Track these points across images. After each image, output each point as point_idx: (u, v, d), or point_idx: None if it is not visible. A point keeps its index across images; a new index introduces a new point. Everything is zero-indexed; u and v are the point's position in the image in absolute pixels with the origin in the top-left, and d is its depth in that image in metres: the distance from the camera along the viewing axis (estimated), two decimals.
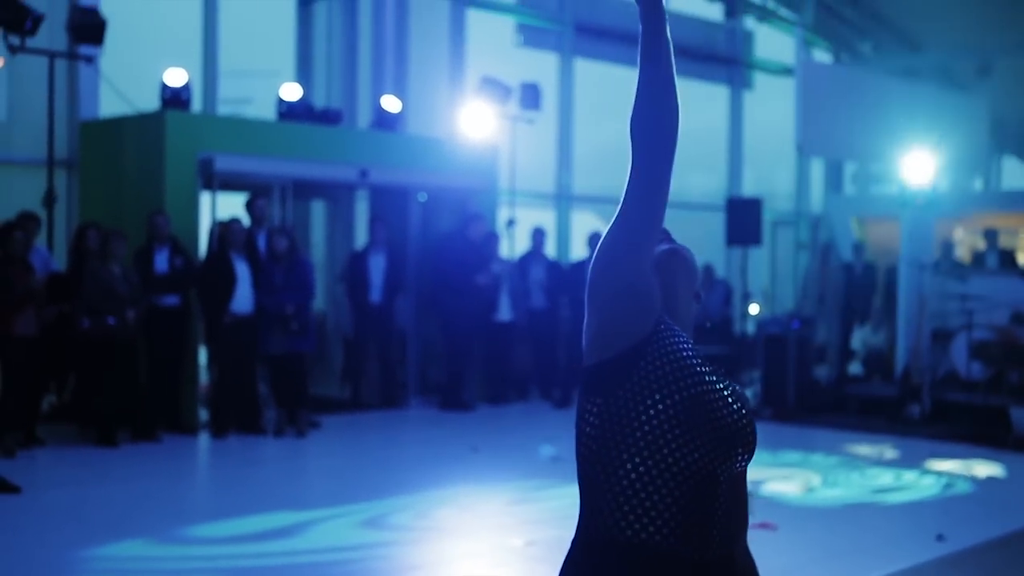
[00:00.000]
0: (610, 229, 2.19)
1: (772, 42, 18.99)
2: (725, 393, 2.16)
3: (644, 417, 2.13)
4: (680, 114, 2.19)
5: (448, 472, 8.95)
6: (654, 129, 2.16)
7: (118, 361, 9.51)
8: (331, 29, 14.13)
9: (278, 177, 11.23)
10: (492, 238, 12.44)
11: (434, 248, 12.34)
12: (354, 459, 9.75)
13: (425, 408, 12.17)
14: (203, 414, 10.48)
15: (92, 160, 11.02)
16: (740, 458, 2.16)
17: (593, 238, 12.92)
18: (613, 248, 2.18)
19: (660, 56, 2.17)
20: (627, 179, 2.16)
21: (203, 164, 10.43)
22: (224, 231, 10.28)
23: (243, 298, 10.16)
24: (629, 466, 2.14)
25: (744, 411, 2.17)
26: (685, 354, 2.16)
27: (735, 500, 2.19)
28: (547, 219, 14.92)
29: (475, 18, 14.86)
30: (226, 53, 12.92)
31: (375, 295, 11.74)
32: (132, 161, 10.67)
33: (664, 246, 2.32)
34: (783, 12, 19.04)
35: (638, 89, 2.18)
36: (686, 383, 2.13)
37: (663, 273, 2.27)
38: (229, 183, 11.17)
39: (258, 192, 11.20)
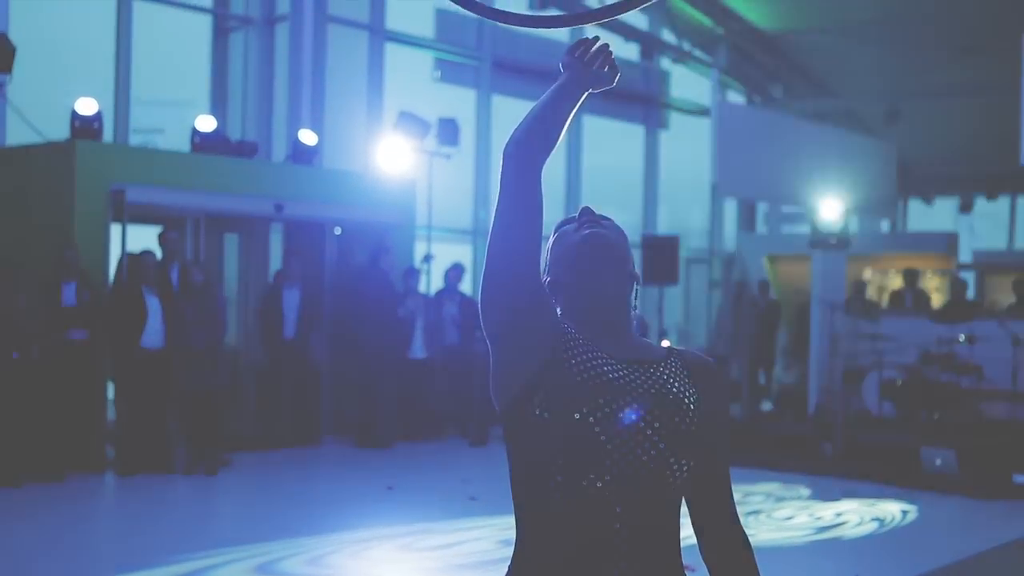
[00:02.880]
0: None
1: (687, 83, 19.24)
2: (601, 425, 2.02)
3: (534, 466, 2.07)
4: (547, 137, 2.14)
5: (361, 512, 8.80)
6: (520, 156, 2.11)
7: (22, 397, 9.21)
8: (247, 60, 13.98)
9: (191, 210, 11.03)
10: (412, 273, 12.36)
11: (349, 282, 12.21)
12: (264, 499, 9.54)
13: (340, 446, 12.00)
14: (110, 452, 10.20)
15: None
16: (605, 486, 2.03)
17: None
18: (484, 288, 2.12)
19: (556, 116, 2.15)
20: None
21: (114, 195, 10.19)
22: (135, 264, 10.05)
23: (153, 333, 9.92)
24: (532, 515, 2.08)
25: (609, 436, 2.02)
26: (576, 389, 2.03)
27: (646, 550, 2.06)
28: (464, 254, 14.87)
29: (393, 52, 14.82)
30: (139, 82, 12.70)
31: (289, 330, 11.57)
32: (40, 191, 10.39)
33: (583, 231, 2.20)
34: (698, 54, 19.32)
35: (523, 120, 2.15)
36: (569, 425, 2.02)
37: (582, 261, 2.16)
38: (141, 215, 10.93)
39: (171, 225, 10.98)
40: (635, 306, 2.23)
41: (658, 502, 2.06)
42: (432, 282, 13.19)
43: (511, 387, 2.10)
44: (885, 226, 21.50)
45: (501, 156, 2.13)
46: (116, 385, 10.26)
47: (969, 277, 17.95)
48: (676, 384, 2.13)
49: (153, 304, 9.93)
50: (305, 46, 13.66)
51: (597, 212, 2.25)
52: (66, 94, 10.69)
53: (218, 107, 13.83)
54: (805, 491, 10.22)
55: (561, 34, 16.80)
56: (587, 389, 2.04)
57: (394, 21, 14.76)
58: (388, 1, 14.63)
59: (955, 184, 22.50)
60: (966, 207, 22.74)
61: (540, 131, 2.14)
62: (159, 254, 10.47)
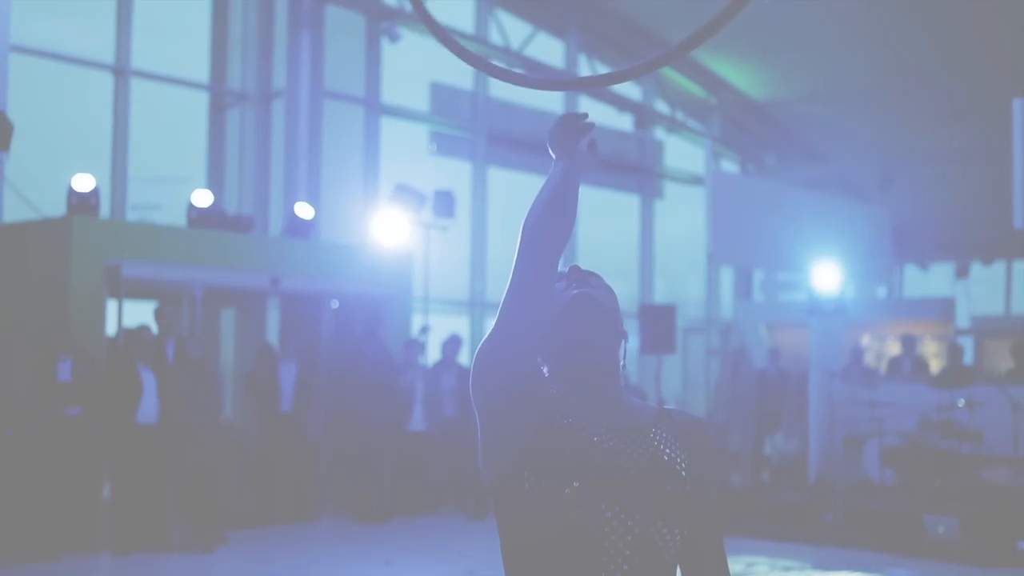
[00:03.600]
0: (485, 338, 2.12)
1: (681, 152, 19.38)
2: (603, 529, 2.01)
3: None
4: (565, 227, 2.13)
5: None
6: (538, 230, 2.11)
7: (16, 475, 9.14)
8: (244, 135, 14.09)
9: (188, 284, 11.03)
10: (412, 344, 12.34)
11: (347, 355, 12.17)
12: None
13: (337, 521, 11.89)
14: (106, 530, 10.10)
15: None
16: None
17: None
18: (481, 356, 2.10)
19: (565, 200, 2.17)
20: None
21: (110, 271, 10.21)
22: (131, 340, 10.03)
23: (149, 408, 9.88)
24: None
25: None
26: (560, 475, 2.02)
27: None
28: (461, 326, 14.85)
29: (389, 126, 14.93)
30: (136, 158, 12.78)
31: (285, 404, 11.52)
32: (37, 268, 10.40)
33: (571, 291, 2.18)
34: (691, 123, 19.48)
35: (539, 192, 2.15)
36: (556, 513, 2.01)
37: (571, 323, 2.14)
38: (137, 290, 10.94)
39: (167, 299, 10.98)
40: (623, 364, 2.21)
41: (652, 572, 2.04)
42: (429, 354, 13.15)
43: (500, 460, 2.08)
44: (882, 292, 21.52)
45: (520, 232, 2.13)
46: (111, 461, 10.19)
47: (967, 342, 17.93)
48: (668, 449, 2.11)
49: (149, 379, 9.89)
50: (301, 120, 13.77)
51: (584, 269, 2.25)
52: (64, 170, 10.75)
53: (215, 182, 13.90)
54: (807, 561, 10.11)
55: (555, 106, 16.96)
56: (578, 461, 2.02)
57: (390, 95, 14.91)
58: (384, 75, 14.79)
59: (950, 250, 22.55)
60: (962, 272, 22.77)
61: (557, 214, 2.14)
62: (155, 329, 10.45)
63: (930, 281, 22.99)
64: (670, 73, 18.84)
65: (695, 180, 19.01)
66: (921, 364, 14.45)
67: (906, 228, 20.28)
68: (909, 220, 20.29)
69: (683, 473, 2.09)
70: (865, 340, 16.48)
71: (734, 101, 19.28)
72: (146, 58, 13.04)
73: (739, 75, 18.86)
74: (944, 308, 17.53)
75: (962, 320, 19.20)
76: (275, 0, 14.04)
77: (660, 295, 18.58)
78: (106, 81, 12.83)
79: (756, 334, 17.52)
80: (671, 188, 19.34)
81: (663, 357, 13.88)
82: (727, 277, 20.17)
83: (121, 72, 12.83)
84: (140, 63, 12.97)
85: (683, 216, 19.16)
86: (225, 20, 14.22)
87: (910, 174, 19.68)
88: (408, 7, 14.64)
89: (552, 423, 2.07)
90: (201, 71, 14.14)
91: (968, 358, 16.08)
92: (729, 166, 20.56)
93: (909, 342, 14.60)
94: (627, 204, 18.62)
